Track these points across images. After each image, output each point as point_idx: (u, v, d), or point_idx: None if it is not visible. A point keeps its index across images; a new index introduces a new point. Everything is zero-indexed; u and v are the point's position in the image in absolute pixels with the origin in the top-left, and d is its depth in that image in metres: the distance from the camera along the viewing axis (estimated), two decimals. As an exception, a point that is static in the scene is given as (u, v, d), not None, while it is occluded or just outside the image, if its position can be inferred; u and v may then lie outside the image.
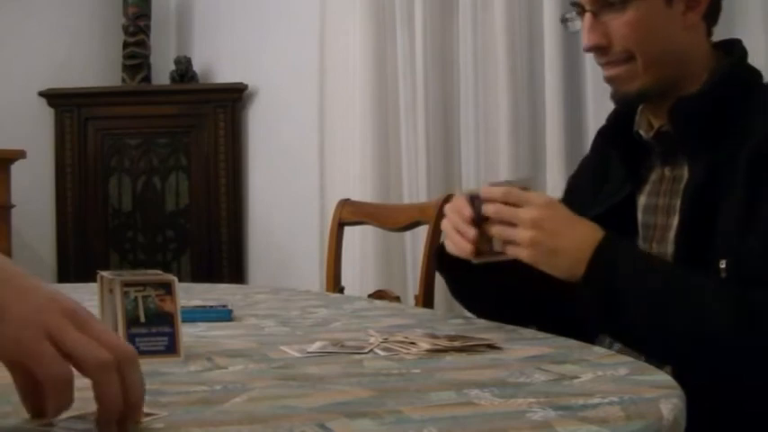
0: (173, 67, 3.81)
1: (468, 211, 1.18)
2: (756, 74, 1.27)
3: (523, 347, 1.00)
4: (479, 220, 1.16)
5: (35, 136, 3.69)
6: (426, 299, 1.98)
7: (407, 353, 0.96)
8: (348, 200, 2.35)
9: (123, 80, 3.84)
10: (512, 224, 1.14)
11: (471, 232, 1.17)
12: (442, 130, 2.67)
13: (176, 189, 3.74)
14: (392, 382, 0.80)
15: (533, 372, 0.85)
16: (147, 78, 3.84)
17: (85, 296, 1.57)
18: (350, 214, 2.30)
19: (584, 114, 2.33)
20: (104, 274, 0.98)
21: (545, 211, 1.13)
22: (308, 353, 0.96)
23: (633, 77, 1.24)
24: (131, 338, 0.90)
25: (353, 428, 0.64)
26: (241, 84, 3.70)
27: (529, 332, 1.14)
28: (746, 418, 1.08)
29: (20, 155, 3.37)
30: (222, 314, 1.27)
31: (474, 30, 2.56)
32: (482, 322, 1.27)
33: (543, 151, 2.39)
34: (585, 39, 1.26)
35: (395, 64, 2.81)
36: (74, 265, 3.70)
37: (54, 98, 3.76)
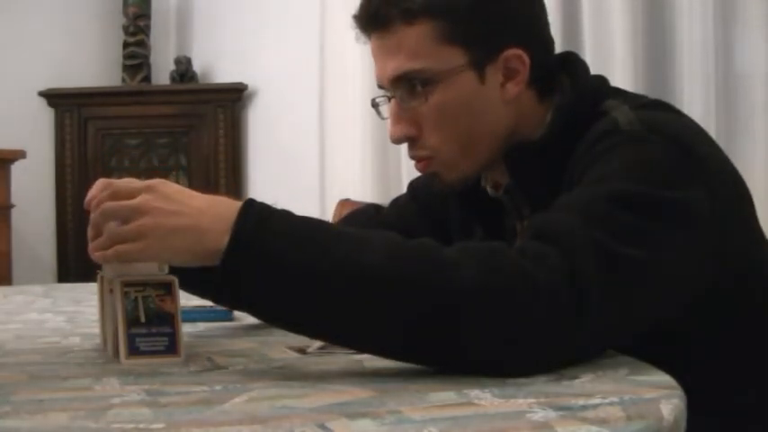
0: (173, 67, 3.81)
1: None
2: (596, 105, 1.07)
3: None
4: None
5: (35, 136, 3.69)
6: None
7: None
8: (348, 200, 2.35)
9: (123, 80, 3.84)
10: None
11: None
12: (442, 130, 2.67)
13: (176, 189, 3.74)
14: (392, 382, 0.80)
15: (533, 372, 0.84)
16: (147, 78, 3.84)
17: (85, 296, 1.58)
18: (350, 214, 2.30)
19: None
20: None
21: (153, 192, 0.87)
22: (308, 353, 0.96)
23: (448, 169, 1.11)
24: (131, 338, 0.90)
25: (353, 428, 0.64)
26: (241, 84, 3.70)
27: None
28: (746, 419, 1.08)
29: (20, 155, 3.37)
30: (222, 314, 1.27)
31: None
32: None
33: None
34: (391, 130, 1.10)
35: (395, 64, 2.81)
36: (74, 265, 3.70)
37: (54, 98, 3.76)
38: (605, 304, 0.85)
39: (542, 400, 0.72)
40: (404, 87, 1.08)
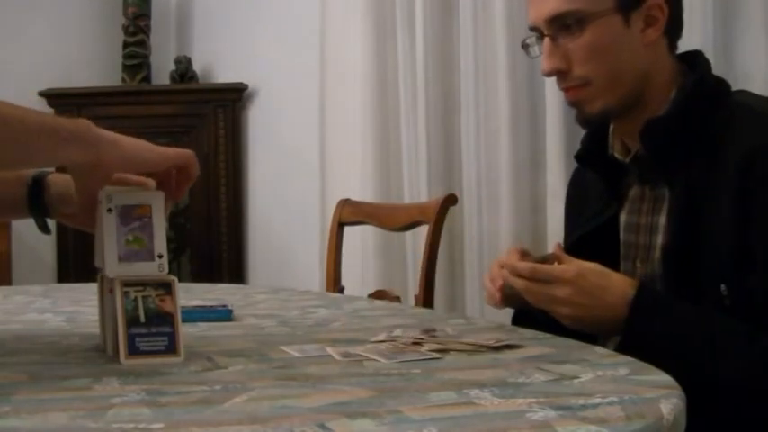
0: (173, 67, 3.81)
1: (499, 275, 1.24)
2: (723, 85, 1.25)
3: (523, 347, 1.00)
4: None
5: (35, 136, 3.68)
6: (426, 299, 1.98)
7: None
8: (348, 200, 2.35)
9: (123, 80, 3.84)
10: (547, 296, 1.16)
11: (497, 296, 1.25)
12: (443, 130, 2.67)
13: (176, 189, 3.74)
14: (392, 382, 0.80)
15: (533, 372, 0.85)
16: (147, 78, 3.84)
17: (85, 296, 1.58)
18: (350, 214, 2.30)
19: (584, 114, 2.33)
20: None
21: (575, 286, 1.14)
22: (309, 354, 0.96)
23: (593, 99, 1.24)
24: (131, 338, 0.90)
25: (353, 428, 0.64)
26: (241, 84, 3.70)
27: (529, 332, 1.14)
28: (746, 419, 1.08)
29: (20, 155, 3.36)
30: (222, 314, 1.27)
31: (474, 30, 2.56)
32: (482, 322, 1.28)
33: (543, 151, 2.39)
34: (544, 64, 1.25)
35: (395, 64, 2.81)
36: (74, 265, 3.69)
37: (54, 98, 3.76)
38: None
39: (542, 399, 0.72)
40: (558, 26, 1.22)
